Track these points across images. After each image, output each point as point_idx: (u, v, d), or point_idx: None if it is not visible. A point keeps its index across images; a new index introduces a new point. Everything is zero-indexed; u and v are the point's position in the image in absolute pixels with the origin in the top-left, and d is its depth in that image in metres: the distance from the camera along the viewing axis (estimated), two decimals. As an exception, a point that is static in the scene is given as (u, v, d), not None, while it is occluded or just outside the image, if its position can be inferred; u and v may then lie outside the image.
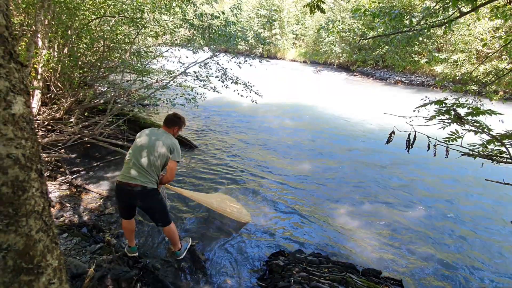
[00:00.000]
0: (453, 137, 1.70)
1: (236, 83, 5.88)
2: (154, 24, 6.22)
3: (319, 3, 3.47)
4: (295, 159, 5.73)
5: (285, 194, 4.33)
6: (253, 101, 5.89)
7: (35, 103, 4.98)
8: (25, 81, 0.66)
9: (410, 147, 1.97)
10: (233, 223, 3.44)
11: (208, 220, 3.44)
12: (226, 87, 5.90)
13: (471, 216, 4.11)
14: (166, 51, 7.59)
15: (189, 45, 6.62)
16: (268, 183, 4.61)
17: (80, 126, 5.03)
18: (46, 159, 4.22)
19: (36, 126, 4.85)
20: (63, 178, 4.02)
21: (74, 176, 4.14)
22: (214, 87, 5.99)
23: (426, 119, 1.78)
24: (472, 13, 3.37)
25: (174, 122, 2.56)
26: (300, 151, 6.20)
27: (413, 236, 3.58)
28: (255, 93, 5.89)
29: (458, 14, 3.24)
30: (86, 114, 5.75)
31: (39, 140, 4.23)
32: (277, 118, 8.87)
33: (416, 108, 2.02)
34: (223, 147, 5.98)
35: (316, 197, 4.31)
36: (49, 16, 4.72)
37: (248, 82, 5.99)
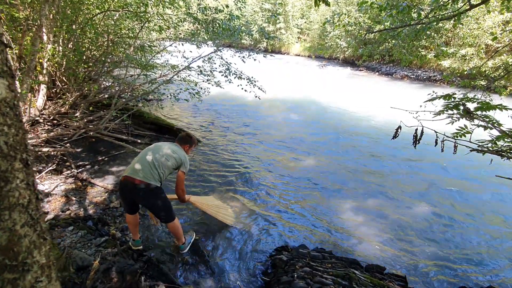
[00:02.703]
0: (462, 132, 1.66)
1: (240, 78, 5.84)
2: (158, 18, 6.19)
3: (324, -4, 3.39)
4: (300, 154, 5.70)
5: (288, 189, 4.32)
6: (256, 96, 5.86)
7: (41, 97, 5.02)
8: (9, 63, 0.60)
9: (417, 142, 1.94)
10: (235, 218, 3.46)
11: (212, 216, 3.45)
12: (230, 82, 5.86)
13: (476, 213, 4.07)
14: (170, 45, 7.57)
15: (193, 39, 6.58)
16: (271, 178, 4.60)
17: (85, 120, 5.07)
18: (52, 153, 4.27)
19: (42, 120, 4.91)
20: (68, 172, 4.06)
21: (80, 170, 4.18)
22: (218, 82, 5.96)
23: (434, 114, 1.74)
24: (482, 5, 3.28)
25: (186, 140, 2.70)
26: (304, 146, 6.17)
27: (418, 232, 3.55)
28: (259, 88, 5.84)
29: (468, 7, 3.15)
30: (91, 108, 5.79)
31: (45, 135, 4.27)
32: (281, 113, 8.82)
33: (424, 102, 1.98)
34: (226, 142, 5.98)
35: (320, 192, 4.29)
36: (53, 11, 4.73)
37: (252, 77, 5.95)
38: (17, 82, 3.61)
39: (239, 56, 5.91)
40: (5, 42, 0.60)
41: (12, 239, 0.59)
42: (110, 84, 7.16)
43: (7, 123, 0.59)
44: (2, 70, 0.58)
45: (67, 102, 5.45)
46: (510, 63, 12.22)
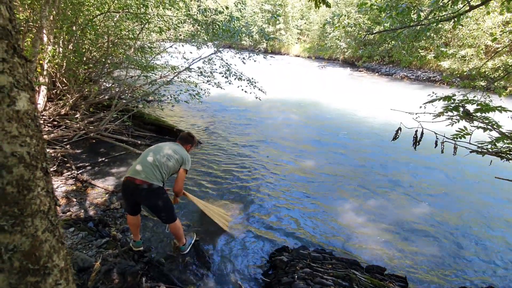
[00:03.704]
0: (461, 134, 1.67)
1: (240, 79, 5.85)
2: (158, 19, 6.20)
3: (324, -3, 3.40)
4: (299, 155, 5.71)
5: (288, 190, 4.32)
6: (256, 97, 5.87)
7: (41, 99, 5.03)
8: (30, 76, 0.63)
9: (417, 144, 1.94)
10: (236, 219, 3.47)
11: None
12: (230, 83, 5.87)
13: (477, 214, 4.07)
14: (170, 46, 7.58)
15: (193, 40, 6.60)
16: (271, 179, 4.61)
17: (86, 121, 5.07)
18: (53, 154, 4.27)
19: (42, 122, 4.91)
20: (69, 173, 4.07)
21: (80, 171, 4.19)
22: (218, 83, 5.97)
23: (434, 116, 1.75)
24: (481, 6, 3.29)
25: (187, 140, 2.75)
26: (304, 147, 6.18)
27: (418, 233, 3.56)
28: (259, 89, 5.85)
29: (467, 8, 3.16)
30: (91, 110, 5.79)
31: (45, 136, 4.28)
32: (282, 114, 8.83)
33: (424, 104, 1.98)
34: (226, 143, 5.99)
35: (320, 194, 4.30)
36: (54, 12, 4.74)
37: (252, 78, 5.95)
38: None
39: (239, 57, 5.92)
40: (26, 57, 0.62)
41: (34, 244, 0.62)
42: (110, 85, 7.17)
43: (29, 134, 0.61)
44: (24, 84, 0.61)
45: (67, 104, 5.46)
46: (510, 64, 12.25)
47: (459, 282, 2.87)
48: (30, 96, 0.62)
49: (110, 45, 5.90)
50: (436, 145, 1.88)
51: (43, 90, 5.04)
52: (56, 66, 5.35)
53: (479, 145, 1.66)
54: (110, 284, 2.14)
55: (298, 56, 29.19)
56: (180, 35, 7.40)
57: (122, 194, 2.51)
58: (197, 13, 5.81)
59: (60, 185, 3.75)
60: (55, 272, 0.67)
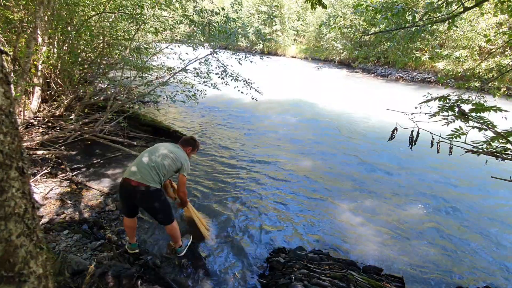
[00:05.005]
0: (457, 133, 1.68)
1: (237, 80, 5.85)
2: (154, 20, 6.18)
3: (320, -2, 3.41)
4: (296, 156, 5.71)
5: (285, 191, 4.32)
6: (253, 98, 5.86)
7: (35, 100, 4.98)
8: (5, 69, 0.60)
9: (413, 144, 1.95)
10: (233, 221, 3.46)
11: (209, 218, 3.44)
12: (227, 84, 5.86)
13: (473, 214, 4.10)
14: (166, 47, 7.56)
15: (189, 41, 6.58)
16: (268, 180, 4.60)
17: (81, 123, 5.02)
18: (47, 156, 4.22)
19: (36, 123, 4.85)
20: (63, 175, 4.02)
21: (75, 173, 4.14)
22: (215, 84, 5.95)
23: (430, 116, 1.76)
24: (475, 8, 3.32)
25: (188, 142, 2.73)
26: (301, 148, 6.18)
27: (415, 233, 3.57)
28: (255, 90, 5.85)
29: (462, 9, 3.19)
30: (86, 111, 5.74)
31: (40, 137, 4.23)
32: (278, 115, 8.83)
33: (419, 104, 1.99)
34: (222, 144, 5.97)
35: (316, 194, 4.30)
36: (48, 13, 4.70)
37: (249, 79, 5.95)
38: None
39: (235, 58, 5.92)
40: (1, 48, 0.59)
41: (8, 250, 0.58)
42: (105, 86, 7.11)
43: (3, 131, 0.58)
44: None
45: (62, 105, 5.40)
46: (503, 65, 12.38)
47: (455, 282, 2.88)
48: (5, 90, 0.58)
49: (106, 46, 5.86)
50: (432, 145, 1.89)
51: (37, 91, 4.98)
52: (51, 67, 5.30)
53: (475, 144, 1.67)
54: (105, 287, 2.11)
55: (295, 57, 29.29)
56: (176, 36, 7.38)
57: (119, 196, 2.49)
58: (193, 14, 5.80)
59: (55, 187, 3.70)
60: (32, 279, 0.63)
